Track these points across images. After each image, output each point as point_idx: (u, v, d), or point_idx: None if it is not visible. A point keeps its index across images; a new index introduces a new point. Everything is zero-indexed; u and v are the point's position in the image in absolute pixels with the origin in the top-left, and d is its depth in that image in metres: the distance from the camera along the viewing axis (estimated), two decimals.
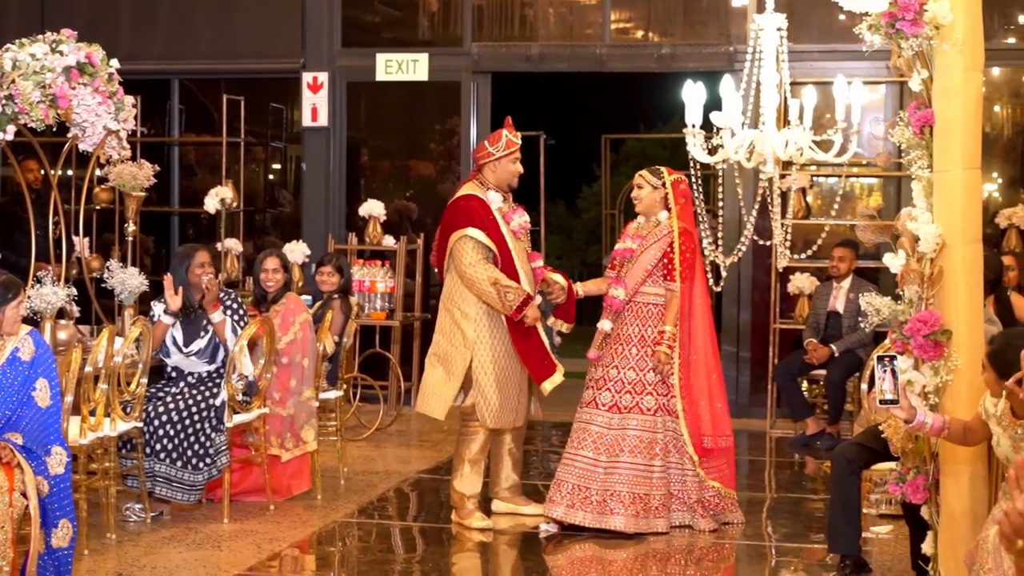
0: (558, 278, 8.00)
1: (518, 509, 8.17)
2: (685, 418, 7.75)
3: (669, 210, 7.85)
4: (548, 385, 7.80)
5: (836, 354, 10.74)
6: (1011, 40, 11.85)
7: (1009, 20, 11.86)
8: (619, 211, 18.73)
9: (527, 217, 8.05)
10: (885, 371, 5.36)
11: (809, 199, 11.74)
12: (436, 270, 8.21)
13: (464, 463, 7.94)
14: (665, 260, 7.78)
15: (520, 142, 7.91)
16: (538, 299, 7.84)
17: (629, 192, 19.29)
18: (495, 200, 7.81)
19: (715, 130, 4.85)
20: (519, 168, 7.92)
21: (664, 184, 7.86)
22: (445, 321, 7.94)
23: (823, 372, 10.90)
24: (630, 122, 21.19)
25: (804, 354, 10.89)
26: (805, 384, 11.31)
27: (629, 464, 7.69)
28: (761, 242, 5.45)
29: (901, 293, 5.88)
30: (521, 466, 8.33)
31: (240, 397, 7.85)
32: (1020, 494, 2.72)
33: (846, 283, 10.92)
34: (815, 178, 12.04)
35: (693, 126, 4.88)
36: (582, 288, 8.14)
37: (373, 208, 11.96)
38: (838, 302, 10.93)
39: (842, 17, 12.30)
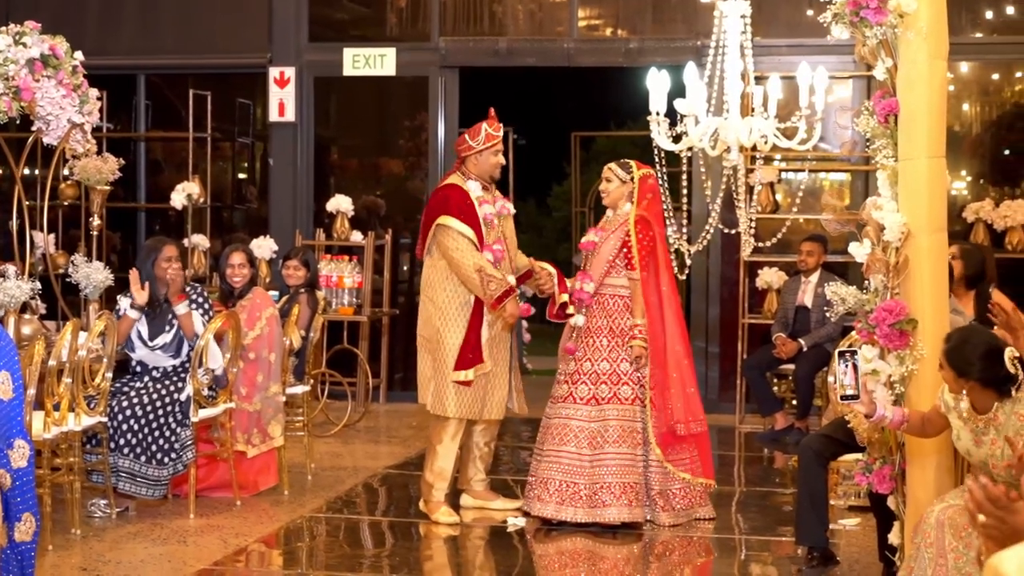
0: (546, 266, 8.02)
1: (487, 504, 8.15)
2: (652, 409, 7.72)
3: (632, 203, 7.85)
4: (459, 376, 7.73)
5: (804, 349, 10.74)
6: (978, 35, 11.87)
7: (976, 15, 11.88)
8: (589, 209, 18.70)
9: (509, 204, 8.10)
10: (847, 366, 5.37)
11: (779, 196, 11.73)
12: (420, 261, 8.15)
13: (434, 451, 7.92)
14: (625, 250, 7.78)
15: (501, 135, 7.93)
16: (511, 278, 7.84)
17: (598, 190, 19.36)
18: (474, 189, 7.83)
19: (680, 118, 4.83)
20: (501, 160, 7.96)
21: (632, 179, 7.87)
22: (423, 311, 7.96)
23: (792, 367, 10.90)
24: (600, 120, 21.15)
25: (773, 349, 10.89)
26: (774, 379, 11.31)
27: (615, 454, 7.66)
28: (727, 230, 5.42)
29: (867, 283, 5.88)
30: (490, 461, 8.30)
31: (206, 391, 7.80)
32: None
33: (814, 277, 10.91)
34: (783, 174, 12.04)
35: (657, 114, 4.84)
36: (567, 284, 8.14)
37: (341, 204, 11.93)
38: (806, 296, 10.93)
39: (809, 12, 12.32)
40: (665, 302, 7.89)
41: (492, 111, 7.96)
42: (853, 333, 7.72)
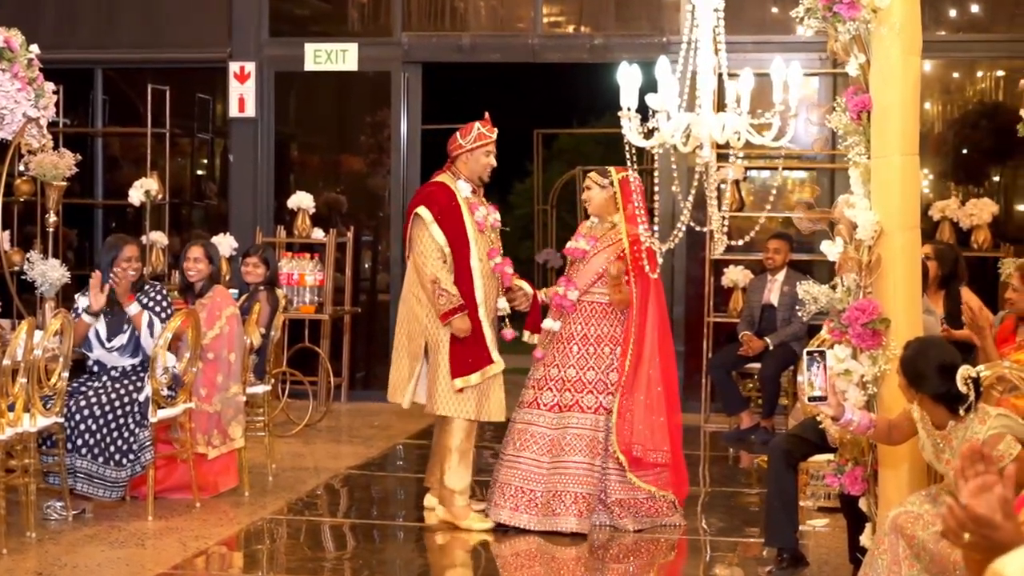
0: (524, 285, 7.90)
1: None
2: (617, 418, 7.62)
3: (620, 210, 7.75)
4: (460, 383, 7.59)
5: (771, 347, 10.67)
6: (942, 33, 11.83)
7: (940, 13, 11.85)
8: (552, 207, 18.63)
9: (497, 215, 7.95)
10: (817, 367, 5.28)
11: (743, 194, 11.66)
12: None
13: (452, 454, 7.70)
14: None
15: (494, 136, 7.80)
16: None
17: (562, 187, 19.29)
18: (463, 189, 7.72)
19: (652, 113, 4.72)
20: (492, 161, 7.82)
21: (612, 183, 7.77)
22: (404, 309, 7.83)
23: (757, 366, 10.84)
24: (563, 117, 21.05)
25: (738, 347, 10.82)
26: (740, 378, 11.25)
27: (574, 464, 7.56)
28: (699, 228, 5.32)
29: (837, 282, 5.81)
30: None
31: (165, 392, 7.65)
32: (964, 483, 2.63)
33: (781, 276, 10.85)
34: (749, 171, 11.99)
35: (628, 109, 4.73)
36: (544, 294, 8.03)
37: (302, 200, 11.80)
38: (773, 295, 10.87)
39: (775, 10, 12.28)
40: (649, 325, 7.77)
41: (487, 115, 7.85)
42: (823, 332, 7.67)
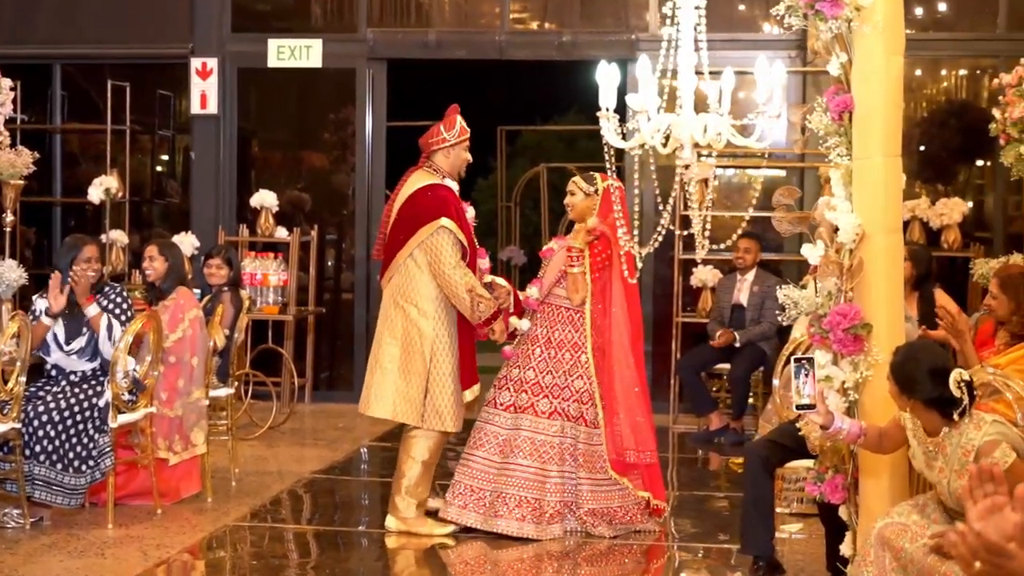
0: (502, 282, 7.74)
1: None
2: (606, 427, 7.52)
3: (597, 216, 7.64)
4: (469, 395, 7.48)
5: (738, 344, 10.56)
6: (909, 31, 11.70)
7: (907, 11, 11.68)
8: (515, 203, 18.54)
9: (470, 210, 7.74)
10: (805, 374, 5.14)
11: (711, 194, 11.54)
12: (381, 264, 7.73)
13: (416, 465, 7.52)
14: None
15: (469, 131, 7.64)
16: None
17: (525, 184, 19.15)
18: (454, 187, 7.53)
19: (631, 114, 4.58)
20: (469, 156, 7.65)
21: (597, 191, 7.64)
22: (398, 319, 7.46)
23: (727, 366, 10.74)
24: (526, 114, 20.97)
25: (708, 348, 10.72)
26: (709, 378, 11.15)
27: (522, 467, 7.43)
28: (679, 232, 5.19)
29: (805, 285, 5.68)
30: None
31: (126, 396, 7.47)
32: (973, 505, 2.50)
33: (750, 275, 10.78)
34: (716, 169, 11.88)
35: (607, 109, 4.59)
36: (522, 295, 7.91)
37: (265, 199, 11.63)
38: (742, 295, 10.79)
39: (742, 7, 12.20)
40: (614, 325, 7.66)
41: (456, 107, 7.65)
42: (796, 335, 7.54)
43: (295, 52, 12.09)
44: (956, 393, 4.86)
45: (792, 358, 5.23)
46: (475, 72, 14.97)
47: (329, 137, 12.69)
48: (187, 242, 11.19)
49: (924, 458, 5.08)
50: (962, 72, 12.16)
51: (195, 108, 12.17)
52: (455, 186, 7.53)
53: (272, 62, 12.15)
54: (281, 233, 11.67)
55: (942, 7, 12.04)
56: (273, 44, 12.12)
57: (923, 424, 5.03)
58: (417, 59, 12.30)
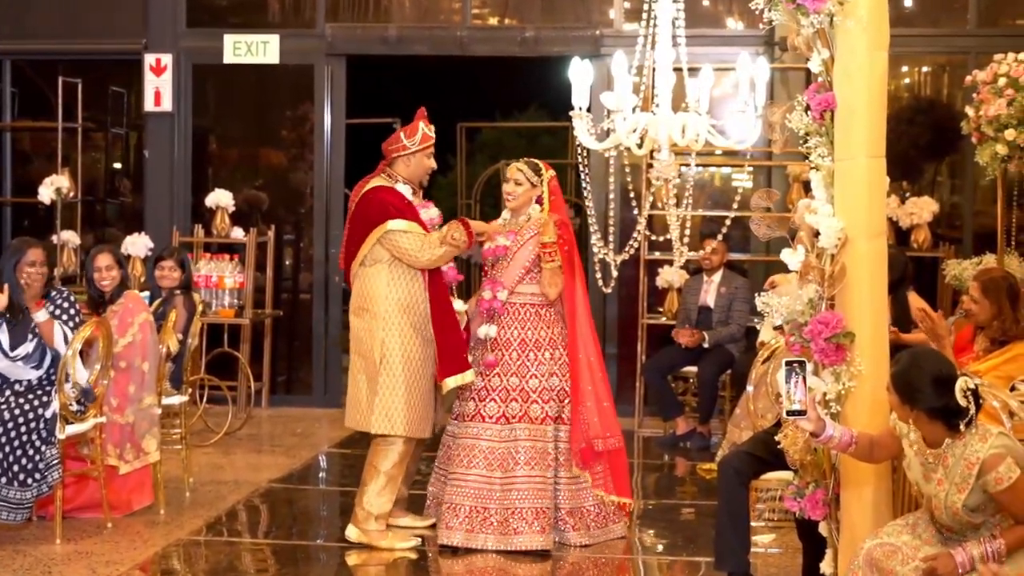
0: (460, 306, 7.51)
1: (396, 523, 7.57)
2: (572, 415, 7.28)
3: (540, 204, 7.40)
4: (452, 382, 7.20)
5: (707, 345, 10.35)
6: None
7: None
8: (475, 201, 18.34)
9: (437, 211, 7.52)
10: (797, 379, 4.86)
11: (688, 196, 11.34)
12: (345, 271, 7.53)
13: (380, 476, 7.28)
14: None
15: (435, 137, 7.39)
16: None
17: (485, 182, 18.92)
18: (405, 192, 7.29)
19: (607, 113, 4.33)
20: (433, 164, 7.43)
21: (543, 181, 7.41)
22: (356, 327, 7.31)
23: (693, 369, 10.53)
24: (486, 110, 20.76)
25: (674, 350, 10.50)
26: (675, 381, 10.94)
27: (527, 478, 7.18)
28: (655, 238, 4.94)
29: (775, 284, 5.46)
30: (411, 480, 7.79)
31: (74, 406, 7.18)
32: None
33: (717, 276, 10.59)
34: (682, 168, 11.68)
35: (580, 108, 4.34)
36: (465, 306, 7.67)
37: (220, 198, 11.34)
38: (709, 296, 10.60)
39: (706, 3, 12.00)
40: (579, 311, 7.45)
41: (423, 111, 7.41)
42: (765, 338, 7.32)
43: (252, 48, 11.81)
44: (962, 402, 4.63)
45: (784, 361, 4.94)
46: (435, 68, 14.75)
47: (287, 135, 12.42)
48: (140, 243, 10.90)
49: (922, 470, 4.84)
50: (932, 68, 12.01)
51: (149, 105, 11.86)
52: (407, 190, 7.31)
53: (228, 58, 11.87)
54: (237, 233, 11.39)
55: (907, 2, 11.86)
56: (229, 40, 11.84)
57: (924, 435, 4.80)
58: (377, 55, 12.02)
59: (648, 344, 11.09)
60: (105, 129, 12.79)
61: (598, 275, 4.69)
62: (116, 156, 13.10)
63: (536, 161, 7.50)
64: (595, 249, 4.20)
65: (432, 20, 12.18)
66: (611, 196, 4.23)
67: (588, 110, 4.58)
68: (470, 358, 7.38)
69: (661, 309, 11.27)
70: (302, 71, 12.03)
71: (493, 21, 12.45)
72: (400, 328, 7.15)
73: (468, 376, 7.23)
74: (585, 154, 4.55)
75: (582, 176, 4.43)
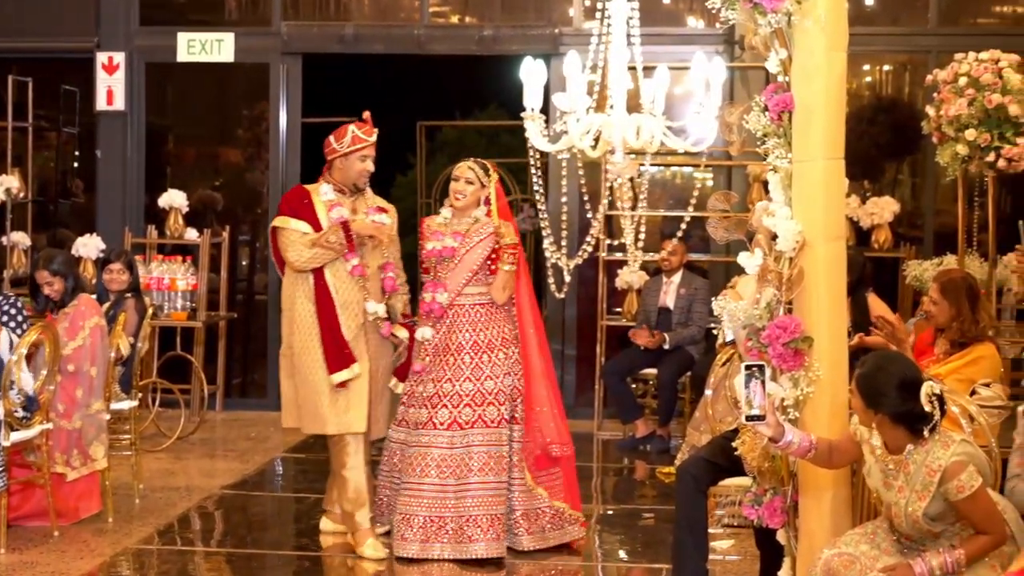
0: (404, 335, 7.38)
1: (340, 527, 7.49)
2: (526, 428, 7.17)
3: (488, 206, 7.29)
4: (338, 377, 7.07)
5: (667, 346, 10.26)
6: None
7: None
8: (435, 200, 18.22)
9: (381, 217, 7.40)
10: (755, 383, 4.74)
11: (636, 191, 11.25)
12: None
13: (340, 477, 7.24)
14: (494, 257, 7.21)
15: (372, 140, 7.27)
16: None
17: (445, 181, 18.80)
18: (325, 192, 7.21)
19: (558, 114, 4.21)
20: (368, 166, 7.30)
21: (491, 180, 7.33)
22: (283, 327, 7.39)
23: (653, 371, 10.43)
24: (445, 109, 20.63)
25: (634, 349, 10.41)
26: (634, 384, 10.84)
27: (481, 484, 7.04)
28: (610, 241, 4.82)
29: (734, 286, 5.35)
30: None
31: (20, 412, 7.02)
32: None
33: (677, 277, 10.50)
34: (641, 167, 11.61)
35: (533, 110, 4.22)
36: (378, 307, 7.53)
37: (174, 199, 11.16)
38: (668, 297, 10.51)
39: (666, 1, 11.92)
40: (527, 317, 7.38)
41: (367, 114, 7.31)
42: (720, 337, 7.22)
43: (206, 46, 11.65)
44: (927, 407, 4.54)
45: (743, 365, 4.82)
46: (394, 66, 14.63)
47: (243, 134, 12.28)
48: (92, 244, 10.70)
49: (882, 476, 4.75)
50: (893, 68, 11.96)
51: (101, 104, 11.67)
52: (329, 189, 7.26)
53: (182, 56, 11.69)
54: (191, 234, 11.21)
55: (869, 1, 11.80)
56: (183, 38, 11.66)
57: (887, 440, 4.70)
58: (333, 53, 11.88)
59: (607, 346, 10.99)
60: (57, 128, 12.62)
61: (551, 279, 4.56)
62: (68, 156, 12.92)
63: (484, 161, 7.42)
64: (547, 253, 4.08)
65: (391, 18, 12.06)
66: (563, 199, 4.10)
67: (544, 111, 4.45)
68: (419, 365, 7.27)
69: (620, 310, 11.17)
70: (257, 70, 11.87)
71: (454, 19, 12.34)
72: (312, 325, 7.14)
73: (356, 370, 7.10)
74: (537, 155, 4.42)
75: (534, 178, 4.30)
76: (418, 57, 11.97)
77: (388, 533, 7.33)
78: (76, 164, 12.86)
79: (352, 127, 7.24)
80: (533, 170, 4.46)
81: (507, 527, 7.14)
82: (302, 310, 7.15)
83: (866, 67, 12.01)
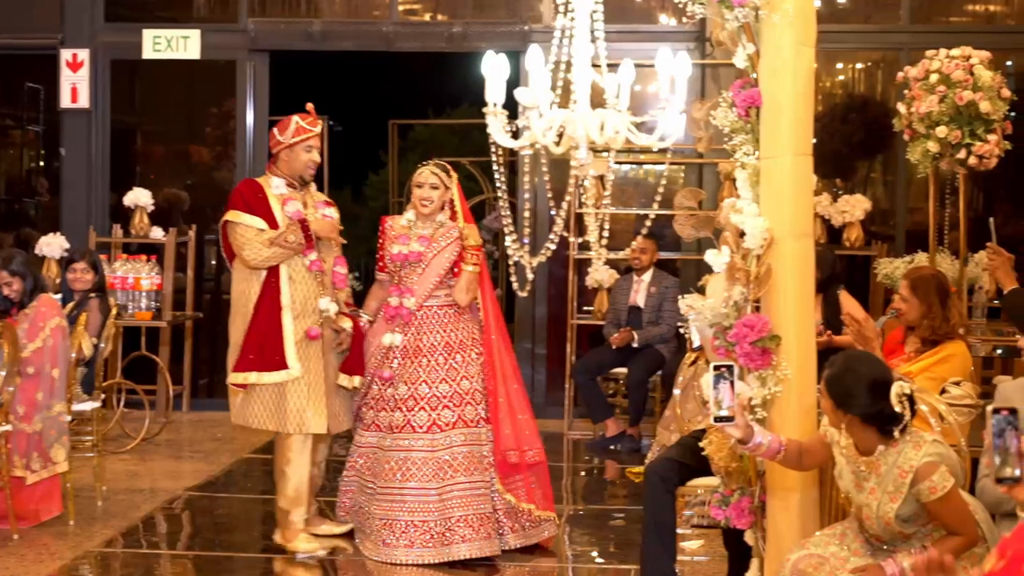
0: (347, 326, 7.28)
1: (315, 531, 7.37)
2: (492, 425, 7.10)
3: (452, 209, 7.23)
4: (238, 378, 6.98)
5: (636, 345, 10.19)
6: None
7: None
8: (407, 199, 18.12)
9: (329, 211, 7.35)
10: (724, 384, 4.65)
11: (608, 190, 11.16)
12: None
13: (282, 473, 7.14)
14: (459, 259, 7.15)
15: (317, 130, 7.21)
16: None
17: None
18: (277, 185, 7.14)
19: (520, 109, 4.12)
20: (314, 157, 7.22)
21: (453, 183, 7.31)
22: (230, 321, 7.24)
23: (623, 370, 10.37)
24: (418, 107, 20.56)
25: (604, 348, 10.34)
26: (605, 383, 10.78)
27: (465, 484, 6.95)
28: (573, 239, 4.73)
29: (704, 286, 5.28)
30: (320, 484, 7.59)
31: None
32: None
33: (647, 276, 10.45)
34: (612, 165, 11.54)
35: (495, 105, 4.12)
36: (365, 313, 7.44)
37: (139, 197, 11.04)
38: (639, 296, 10.45)
39: None
40: (491, 320, 7.28)
41: (310, 106, 7.22)
42: (690, 338, 7.14)
43: (172, 43, 11.54)
44: (897, 408, 4.47)
45: (712, 365, 4.73)
46: (367, 64, 14.53)
47: (210, 132, 12.17)
48: (56, 244, 10.58)
49: (853, 478, 4.67)
50: (865, 66, 11.92)
51: (65, 102, 11.57)
52: (281, 183, 7.17)
53: (148, 53, 11.59)
54: (157, 233, 11.09)
55: None
56: (148, 34, 11.56)
57: (857, 442, 4.62)
58: (304, 51, 11.79)
59: (578, 345, 10.92)
60: (21, 127, 12.50)
61: (513, 278, 4.49)
62: (33, 154, 12.78)
63: (444, 163, 7.38)
64: (510, 251, 3.99)
65: (360, 15, 11.96)
66: (526, 196, 4.02)
67: (507, 106, 4.35)
68: (387, 372, 7.17)
69: (591, 309, 11.10)
70: (225, 67, 11.78)
71: (426, 16, 12.26)
72: (246, 319, 7.06)
73: (251, 378, 6.98)
74: (502, 152, 4.32)
75: (495, 175, 4.22)
76: (390, 56, 11.89)
77: (351, 533, 7.26)
78: (41, 163, 12.73)
79: (296, 118, 7.18)
80: (495, 167, 4.36)
81: (496, 527, 7.08)
82: (248, 305, 7.07)
83: (839, 66, 11.97)
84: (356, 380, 7.26)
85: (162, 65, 11.80)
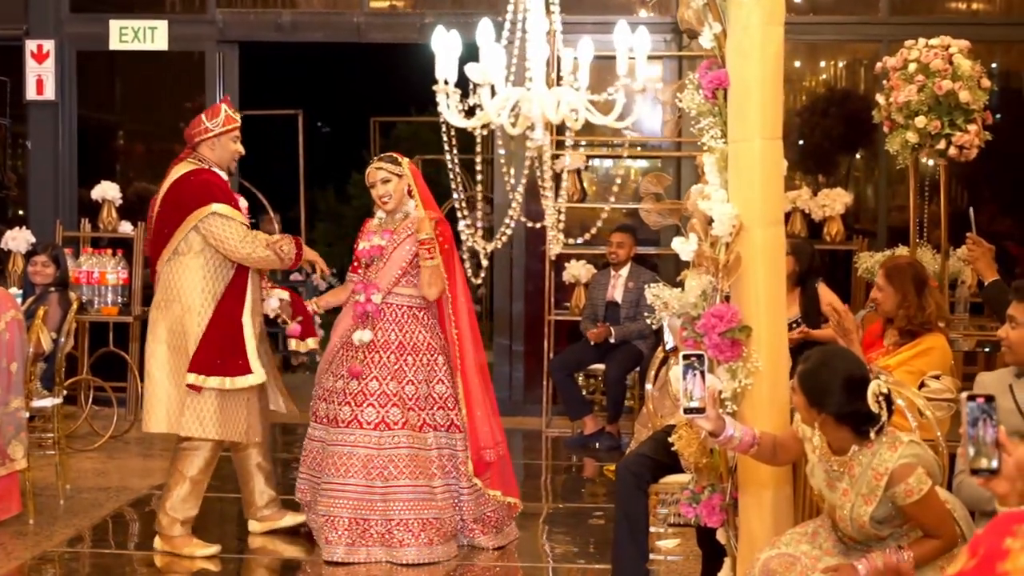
0: (284, 295, 7.18)
1: (277, 525, 7.31)
2: (468, 431, 6.94)
3: (413, 197, 7.10)
4: (194, 379, 6.67)
5: (613, 340, 10.03)
6: (787, 16, 11.29)
7: None
8: None
9: (246, 203, 7.25)
10: (694, 374, 4.46)
11: (584, 184, 11.02)
12: (150, 262, 7.12)
13: (184, 481, 6.91)
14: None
15: (240, 122, 7.03)
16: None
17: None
18: (223, 177, 6.97)
19: (472, 88, 3.93)
20: (240, 148, 7.04)
21: (405, 170, 7.13)
22: (160, 320, 6.85)
23: (601, 367, 10.20)
24: (400, 105, 20.41)
25: (582, 344, 10.18)
26: (583, 380, 10.62)
27: (410, 487, 6.79)
28: (531, 225, 4.53)
29: (685, 276, 5.10)
30: (275, 478, 7.49)
31: None
32: None
33: (625, 271, 10.29)
34: (591, 160, 11.43)
35: (446, 82, 3.94)
36: (318, 304, 7.27)
37: (107, 191, 10.85)
38: (616, 291, 10.30)
39: None
40: (461, 313, 7.11)
41: (227, 97, 7.13)
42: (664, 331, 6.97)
43: (139, 34, 11.36)
44: (874, 408, 4.27)
45: (681, 355, 4.54)
46: (349, 61, 14.37)
47: (180, 125, 11.94)
48: (21, 238, 10.38)
49: (825, 477, 4.48)
50: (846, 60, 11.78)
51: (31, 94, 11.38)
52: (224, 175, 6.98)
53: (114, 44, 11.42)
54: (125, 227, 10.89)
55: None
56: (115, 25, 11.38)
57: (830, 441, 4.42)
58: (271, 42, 11.61)
59: (555, 341, 10.76)
60: None
61: (467, 264, 4.31)
62: (0, 148, 12.59)
63: (390, 154, 7.23)
64: (464, 237, 3.82)
65: (331, 6, 11.78)
66: (479, 180, 3.86)
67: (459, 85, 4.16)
68: (358, 367, 6.98)
69: (568, 305, 10.93)
70: (193, 59, 11.59)
71: (399, 5, 12.08)
72: (205, 319, 6.80)
73: (211, 382, 6.71)
74: (451, 135, 4.14)
75: (448, 160, 4.03)
76: (370, 51, 11.71)
77: (309, 532, 7.16)
78: (8, 156, 12.51)
79: (224, 106, 7.01)
80: (446, 150, 4.17)
81: (461, 532, 7.00)
82: (208, 300, 6.81)
83: (821, 59, 11.83)
84: (311, 342, 7.18)
85: (127, 56, 11.64)
